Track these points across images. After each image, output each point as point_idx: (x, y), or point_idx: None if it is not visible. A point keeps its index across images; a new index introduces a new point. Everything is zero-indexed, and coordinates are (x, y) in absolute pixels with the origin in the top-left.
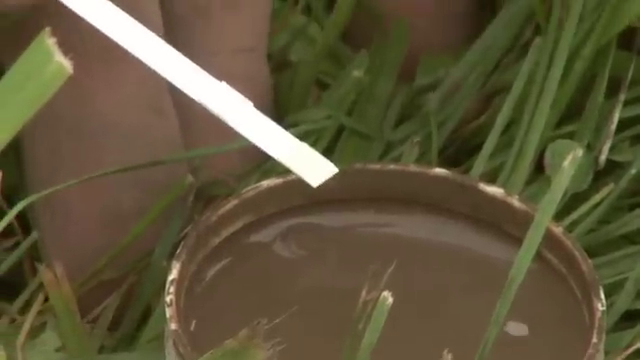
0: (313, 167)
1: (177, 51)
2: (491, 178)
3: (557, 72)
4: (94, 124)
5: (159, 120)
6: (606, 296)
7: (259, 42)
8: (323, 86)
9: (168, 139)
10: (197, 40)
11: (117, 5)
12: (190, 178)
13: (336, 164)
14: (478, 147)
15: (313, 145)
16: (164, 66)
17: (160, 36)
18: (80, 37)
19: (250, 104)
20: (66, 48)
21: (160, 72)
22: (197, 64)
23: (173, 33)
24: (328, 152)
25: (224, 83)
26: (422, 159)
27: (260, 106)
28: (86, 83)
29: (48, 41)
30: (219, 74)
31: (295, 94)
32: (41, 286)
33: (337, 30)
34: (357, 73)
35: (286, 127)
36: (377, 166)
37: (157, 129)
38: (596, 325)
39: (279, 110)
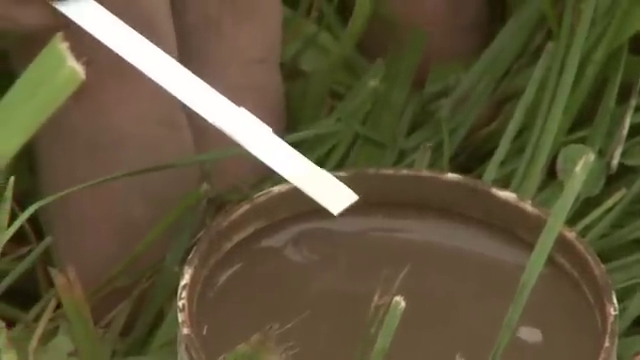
0: (333, 194)
1: (198, 78)
2: (503, 184)
3: (569, 77)
4: (109, 137)
5: (173, 134)
6: (619, 301)
7: (271, 52)
8: (336, 95)
9: (181, 153)
10: (209, 51)
11: (131, 23)
12: (205, 186)
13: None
14: (490, 154)
15: (328, 154)
16: (184, 92)
17: (173, 54)
18: (94, 52)
19: (269, 130)
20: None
21: (181, 98)
22: (209, 75)
23: (185, 44)
24: (342, 160)
25: (243, 109)
26: (434, 166)
27: (272, 116)
28: (101, 97)
29: (60, 46)
30: (231, 85)
31: (309, 104)
32: (54, 291)
33: (352, 41)
34: (373, 83)
35: (299, 136)
36: (390, 171)
37: (171, 143)
38: (609, 330)
39: (291, 120)
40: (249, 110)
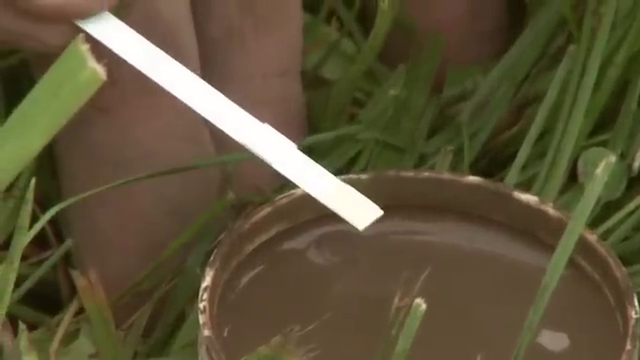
0: (359, 210)
1: (223, 95)
2: (525, 188)
3: (590, 80)
4: (133, 153)
5: (195, 149)
6: None
7: (292, 63)
8: (356, 102)
9: (204, 168)
10: (232, 65)
11: (153, 40)
12: (231, 195)
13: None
14: (511, 158)
15: (349, 162)
16: (209, 109)
17: (196, 69)
18: (118, 67)
19: (294, 146)
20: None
21: (205, 115)
22: (232, 88)
23: (208, 57)
24: (362, 166)
25: (267, 125)
26: (455, 170)
27: (293, 128)
28: (124, 112)
29: (82, 47)
30: (253, 98)
31: (330, 112)
32: (76, 293)
33: (374, 52)
34: (394, 92)
35: (318, 138)
36: (411, 174)
37: (194, 157)
38: (630, 332)
39: (312, 128)
40: (271, 122)
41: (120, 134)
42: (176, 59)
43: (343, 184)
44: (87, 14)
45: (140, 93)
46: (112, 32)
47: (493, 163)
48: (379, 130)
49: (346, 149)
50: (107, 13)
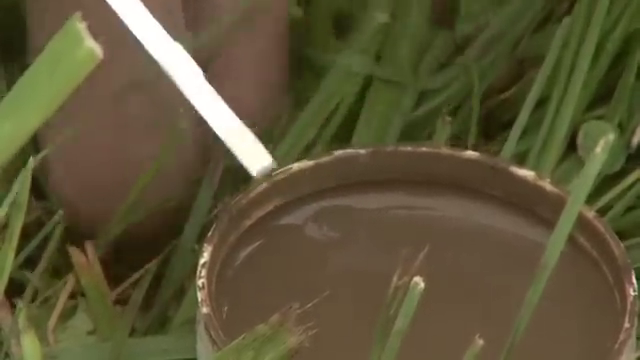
0: (253, 154)
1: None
2: (522, 157)
3: (589, 50)
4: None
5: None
6: (638, 280)
7: None
8: (344, 27)
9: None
10: None
11: None
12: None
13: (365, 121)
14: (509, 122)
15: (339, 104)
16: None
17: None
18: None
19: (201, 75)
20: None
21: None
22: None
23: None
24: (356, 105)
25: (177, 44)
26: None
27: (277, 39)
28: None
29: (78, 26)
30: (238, 8)
31: (316, 32)
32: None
33: None
34: (381, 18)
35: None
36: (409, 148)
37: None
38: (628, 310)
39: (303, 46)
40: (257, 35)
41: None
42: None
43: (244, 126)
44: None
45: None
46: None
47: (491, 124)
48: (371, 59)
49: (340, 82)
50: None
